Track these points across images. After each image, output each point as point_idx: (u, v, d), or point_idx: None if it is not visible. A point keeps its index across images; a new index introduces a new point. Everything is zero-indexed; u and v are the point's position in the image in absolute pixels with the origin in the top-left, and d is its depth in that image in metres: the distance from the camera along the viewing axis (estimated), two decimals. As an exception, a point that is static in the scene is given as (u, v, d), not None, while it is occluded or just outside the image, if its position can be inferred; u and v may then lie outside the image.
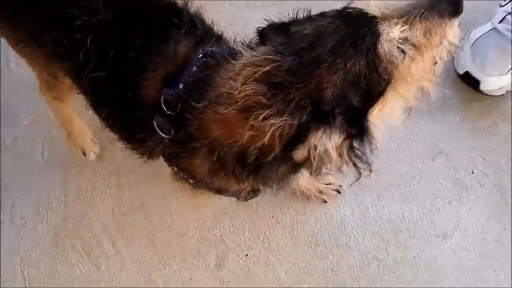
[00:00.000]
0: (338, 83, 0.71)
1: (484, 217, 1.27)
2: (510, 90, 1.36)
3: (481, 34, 1.32)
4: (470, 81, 1.35)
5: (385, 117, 0.77)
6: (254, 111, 0.73)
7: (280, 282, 1.25)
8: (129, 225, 1.33)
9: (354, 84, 0.71)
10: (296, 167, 0.83)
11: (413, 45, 0.72)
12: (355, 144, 0.75)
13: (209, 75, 0.83)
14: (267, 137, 0.73)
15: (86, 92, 1.03)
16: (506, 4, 1.32)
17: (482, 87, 1.34)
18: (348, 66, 0.70)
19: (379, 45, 0.71)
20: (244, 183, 0.91)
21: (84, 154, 1.42)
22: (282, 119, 0.71)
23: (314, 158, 0.73)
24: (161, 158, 1.01)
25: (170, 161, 0.98)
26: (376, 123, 0.76)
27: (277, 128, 0.72)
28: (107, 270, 1.28)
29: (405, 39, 0.72)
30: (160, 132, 0.91)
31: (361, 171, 0.77)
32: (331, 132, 0.72)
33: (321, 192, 1.32)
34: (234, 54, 0.82)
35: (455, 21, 0.74)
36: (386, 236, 1.27)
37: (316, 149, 0.72)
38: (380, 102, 0.74)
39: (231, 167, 0.84)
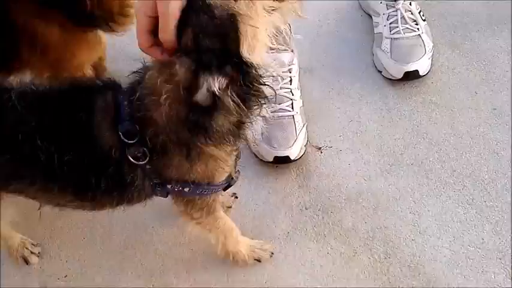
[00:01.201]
0: (193, 40, 0.89)
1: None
2: (305, 144, 1.66)
3: (260, 127, 1.63)
4: (282, 160, 1.59)
5: (256, 47, 0.92)
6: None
7: None
8: None
9: (206, 34, 0.89)
10: (226, 114, 0.98)
11: None
12: (246, 80, 0.92)
13: (136, 86, 1.04)
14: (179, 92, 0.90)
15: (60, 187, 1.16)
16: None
17: (292, 157, 1.59)
18: (194, 24, 0.89)
19: None
20: (217, 157, 1.10)
21: (27, 262, 1.52)
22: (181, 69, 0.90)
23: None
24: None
25: (157, 179, 1.12)
26: (255, 57, 0.92)
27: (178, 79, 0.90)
28: None
29: None
30: (137, 163, 1.07)
31: (265, 103, 0.97)
32: (214, 74, 0.88)
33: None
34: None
35: None
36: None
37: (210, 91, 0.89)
38: (241, 37, 0.90)
39: (189, 139, 1.02)
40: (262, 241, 1.50)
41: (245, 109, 0.97)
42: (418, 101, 1.75)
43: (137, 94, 1.03)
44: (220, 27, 0.90)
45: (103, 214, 1.36)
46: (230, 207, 1.58)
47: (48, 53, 1.48)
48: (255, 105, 1.01)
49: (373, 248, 1.50)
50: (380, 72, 1.81)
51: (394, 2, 1.80)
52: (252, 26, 0.91)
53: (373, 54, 1.83)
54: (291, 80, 1.68)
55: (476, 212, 1.52)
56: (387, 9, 1.80)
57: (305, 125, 1.67)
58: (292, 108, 1.65)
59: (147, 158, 1.07)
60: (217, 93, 0.90)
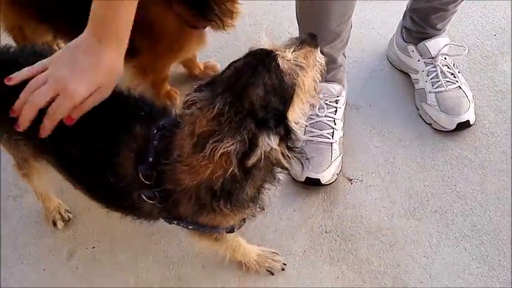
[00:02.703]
0: (262, 95, 0.97)
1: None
2: (337, 173, 1.74)
3: (301, 148, 1.75)
4: (313, 182, 1.69)
5: (296, 118, 1.06)
6: (207, 148, 0.97)
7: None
8: None
9: (273, 93, 0.99)
10: (257, 181, 1.09)
11: (300, 63, 1.03)
12: (288, 142, 1.01)
13: (169, 141, 1.09)
14: (224, 163, 0.97)
15: (73, 180, 1.30)
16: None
17: (323, 181, 1.69)
18: (265, 81, 0.98)
19: (280, 64, 1.00)
20: (228, 215, 1.15)
21: (54, 225, 1.65)
22: (232, 141, 0.94)
23: (265, 158, 0.98)
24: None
25: (166, 217, 1.21)
26: (293, 124, 1.04)
27: (231, 150, 0.94)
28: None
29: (294, 59, 1.02)
30: (150, 202, 1.15)
31: (302, 161, 1.05)
32: (270, 134, 0.97)
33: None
34: (180, 117, 1.07)
35: (318, 50, 1.10)
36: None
37: (264, 151, 0.96)
38: (292, 105, 1.02)
39: (208, 202, 1.08)
40: (273, 251, 1.58)
41: (289, 166, 1.06)
42: (453, 155, 1.81)
43: (167, 146, 1.10)
44: (285, 92, 1.02)
45: None
46: (254, 215, 1.67)
47: (160, 43, 1.57)
48: (278, 172, 1.13)
49: (382, 282, 1.55)
50: (429, 124, 1.88)
51: (432, 59, 1.88)
52: (300, 99, 1.06)
53: (418, 108, 1.91)
54: (336, 111, 1.78)
55: (488, 269, 1.56)
56: (426, 66, 1.89)
57: (341, 155, 1.76)
58: (332, 136, 1.75)
59: (157, 200, 1.16)
60: (274, 148, 0.99)
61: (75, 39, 1.12)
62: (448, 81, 1.86)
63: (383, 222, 1.67)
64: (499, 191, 1.71)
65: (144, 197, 1.16)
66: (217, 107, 0.98)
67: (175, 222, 1.24)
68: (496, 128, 1.87)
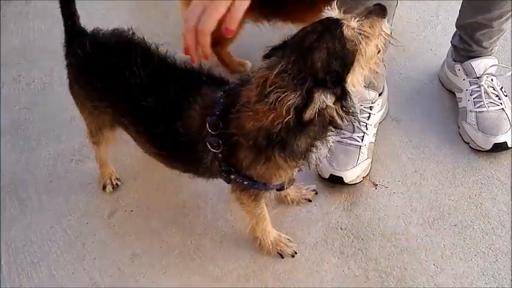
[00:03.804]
0: (324, 57, 1.07)
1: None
2: (364, 176, 1.82)
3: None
4: (336, 180, 1.77)
5: (355, 83, 1.15)
6: (271, 96, 1.10)
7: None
8: None
9: (334, 56, 1.09)
10: (311, 135, 1.21)
11: (365, 32, 1.12)
12: (344, 103, 1.11)
13: (235, 97, 1.25)
14: (284, 112, 1.07)
15: (144, 135, 1.46)
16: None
17: (346, 180, 1.77)
18: (328, 46, 1.09)
19: (344, 31, 1.10)
20: (281, 167, 1.28)
21: (104, 188, 1.87)
22: (292, 95, 1.06)
23: (320, 114, 1.09)
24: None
25: (225, 167, 1.35)
26: (351, 87, 1.14)
27: (290, 102, 1.06)
28: None
29: (359, 28, 1.11)
30: (212, 149, 1.30)
31: (354, 123, 1.20)
32: (327, 92, 1.08)
33: (304, 195, 1.76)
34: (244, 81, 1.25)
35: (385, 20, 1.17)
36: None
37: (320, 107, 1.08)
38: (351, 70, 1.12)
39: (264, 148, 1.22)
40: (288, 237, 1.67)
41: (341, 125, 1.19)
42: (486, 175, 1.80)
43: (233, 100, 1.25)
44: (346, 57, 1.14)
45: (180, 176, 1.63)
46: (310, 200, 1.79)
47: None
48: (330, 132, 1.25)
49: (385, 281, 1.59)
50: (467, 143, 1.89)
51: (477, 79, 1.89)
52: (361, 65, 1.17)
53: (459, 127, 1.93)
54: (369, 116, 1.85)
55: (497, 287, 1.54)
56: (470, 85, 1.90)
57: (369, 160, 1.82)
58: (362, 140, 1.82)
59: (221, 149, 1.31)
60: (329, 105, 1.11)
61: None
62: (491, 102, 1.86)
63: (399, 228, 1.70)
64: (525, 215, 1.68)
65: (209, 145, 1.30)
66: (282, 64, 1.11)
67: (233, 176, 1.38)
68: (537, 155, 1.83)
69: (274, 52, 1.18)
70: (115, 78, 1.43)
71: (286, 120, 1.12)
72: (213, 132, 1.29)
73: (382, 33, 1.18)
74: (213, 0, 1.17)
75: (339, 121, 1.17)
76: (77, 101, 1.62)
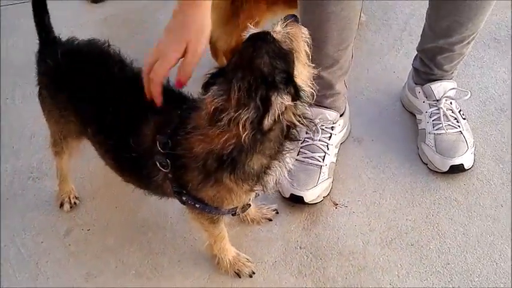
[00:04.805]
0: (267, 61, 1.09)
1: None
2: (325, 195, 1.82)
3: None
4: (296, 199, 1.76)
5: (301, 83, 1.16)
6: (223, 120, 1.10)
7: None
8: None
9: (276, 57, 1.11)
10: (266, 154, 1.20)
11: (290, 33, 1.16)
12: (299, 102, 1.12)
13: (187, 116, 1.25)
14: (240, 130, 1.07)
15: (103, 146, 1.46)
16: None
17: (306, 199, 1.76)
18: (267, 50, 1.11)
19: (274, 35, 1.13)
20: (231, 190, 1.27)
21: (61, 205, 1.85)
22: (245, 110, 1.07)
23: (277, 122, 1.11)
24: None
25: (176, 188, 1.34)
26: (299, 82, 1.15)
27: (245, 118, 1.06)
28: None
29: (284, 31, 1.15)
30: (161, 168, 1.30)
31: (311, 127, 1.19)
32: (282, 93, 1.08)
33: (265, 215, 1.76)
34: (198, 102, 1.24)
35: (300, 25, 1.21)
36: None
37: (279, 109, 1.08)
38: (295, 67, 1.13)
39: (213, 170, 1.21)
40: (247, 257, 1.66)
41: (298, 133, 1.21)
42: (443, 195, 1.82)
43: (184, 122, 1.26)
44: (286, 56, 1.15)
45: (140, 194, 1.58)
46: (271, 220, 1.78)
47: None
48: (286, 148, 1.25)
49: (342, 301, 1.58)
50: (426, 164, 1.91)
51: (436, 102, 1.92)
52: (301, 63, 1.19)
53: (418, 148, 1.95)
54: (330, 136, 1.86)
55: (452, 308, 1.55)
56: (430, 107, 1.94)
57: (330, 180, 1.83)
58: (323, 160, 1.83)
59: (169, 169, 1.31)
60: (287, 104, 1.11)
61: None
62: (449, 124, 1.89)
63: (357, 247, 1.70)
64: (481, 235, 1.70)
65: (158, 164, 1.30)
66: (231, 85, 1.10)
67: (184, 198, 1.36)
68: (494, 177, 1.86)
69: (214, 79, 1.17)
70: (83, 87, 1.43)
71: (243, 137, 1.11)
72: (162, 151, 1.29)
73: (302, 34, 1.21)
74: (166, 51, 1.23)
75: (297, 124, 1.16)
76: (44, 108, 1.61)
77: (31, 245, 1.77)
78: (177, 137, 1.26)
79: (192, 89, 1.32)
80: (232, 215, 1.47)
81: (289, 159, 1.30)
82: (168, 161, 1.29)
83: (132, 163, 1.40)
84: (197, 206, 1.37)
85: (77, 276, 1.69)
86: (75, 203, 1.86)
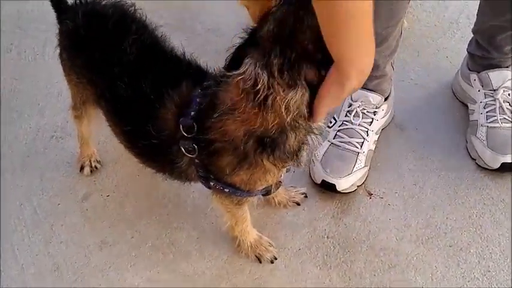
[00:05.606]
0: (312, 37, 0.94)
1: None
2: (359, 184, 1.68)
3: (324, 150, 1.69)
4: (328, 187, 1.64)
5: None
6: (268, 100, 0.97)
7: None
8: None
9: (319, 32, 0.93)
10: (302, 131, 1.09)
11: None
12: None
13: (212, 95, 1.12)
14: (283, 112, 0.97)
15: (118, 127, 1.36)
16: (333, 125, 1.76)
17: (338, 188, 1.63)
18: (309, 23, 0.95)
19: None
20: (268, 171, 1.17)
21: (82, 169, 1.76)
22: (291, 92, 0.96)
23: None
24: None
25: (203, 173, 1.23)
26: None
27: (293, 100, 0.96)
28: None
29: None
30: (187, 154, 1.19)
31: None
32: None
33: (293, 198, 1.63)
34: (222, 77, 1.06)
35: None
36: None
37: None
38: None
39: (251, 153, 1.11)
40: (270, 241, 1.55)
41: None
42: (490, 195, 1.66)
43: (211, 103, 1.12)
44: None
45: None
46: (299, 204, 1.66)
47: None
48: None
49: (368, 300, 1.46)
50: (474, 160, 1.75)
51: (493, 92, 1.75)
52: None
53: (467, 141, 1.79)
54: (371, 122, 1.72)
55: (488, 318, 1.41)
56: (485, 97, 1.76)
57: (367, 168, 1.69)
58: (361, 146, 1.69)
59: (196, 154, 1.19)
60: None
61: None
62: (505, 118, 1.72)
63: (389, 243, 1.57)
64: (529, 243, 1.55)
65: (183, 149, 1.19)
66: (268, 60, 0.97)
67: (212, 183, 1.26)
68: (547, 180, 1.69)
69: (243, 52, 1.03)
70: (99, 55, 1.32)
71: (287, 119, 1.00)
72: (187, 136, 1.17)
73: None
74: None
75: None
76: (65, 71, 1.51)
77: (48, 206, 1.70)
78: (205, 120, 1.14)
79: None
80: (264, 195, 1.37)
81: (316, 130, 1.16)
82: (195, 145, 1.18)
83: (151, 149, 1.29)
84: (226, 190, 1.26)
85: (91, 243, 1.61)
86: (95, 166, 1.78)
